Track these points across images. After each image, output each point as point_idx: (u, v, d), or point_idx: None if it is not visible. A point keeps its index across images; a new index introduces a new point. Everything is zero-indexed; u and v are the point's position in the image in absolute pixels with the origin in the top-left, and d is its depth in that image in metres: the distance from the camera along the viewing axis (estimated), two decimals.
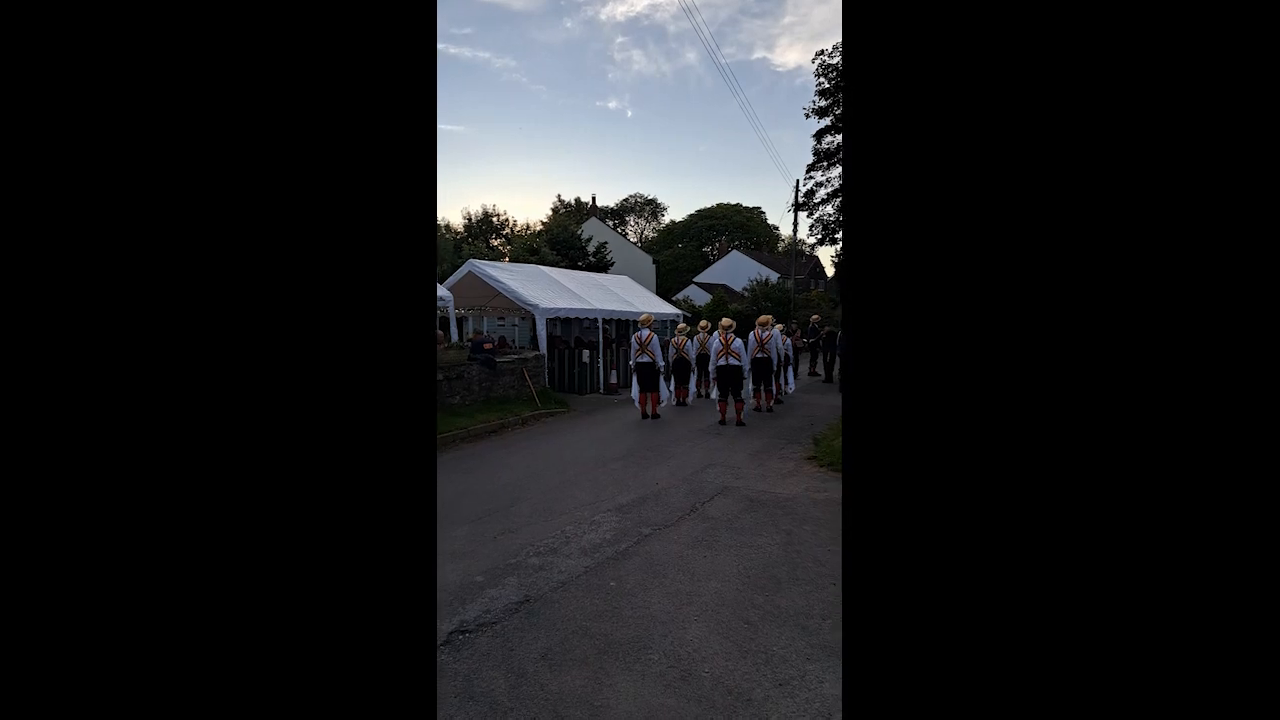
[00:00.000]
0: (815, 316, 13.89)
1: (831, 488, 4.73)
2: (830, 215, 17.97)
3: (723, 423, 7.46)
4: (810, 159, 18.01)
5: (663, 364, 8.24)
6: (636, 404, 8.21)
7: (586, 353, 11.06)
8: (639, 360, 8.09)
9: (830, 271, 35.01)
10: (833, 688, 2.21)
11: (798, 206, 20.32)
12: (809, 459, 5.63)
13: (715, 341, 7.73)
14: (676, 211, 71.49)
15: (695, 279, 32.56)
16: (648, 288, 17.46)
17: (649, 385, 8.05)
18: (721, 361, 7.53)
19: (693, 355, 8.84)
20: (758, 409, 8.30)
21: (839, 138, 17.16)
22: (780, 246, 46.40)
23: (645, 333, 8.13)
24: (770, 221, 47.22)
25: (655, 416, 7.97)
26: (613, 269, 19.50)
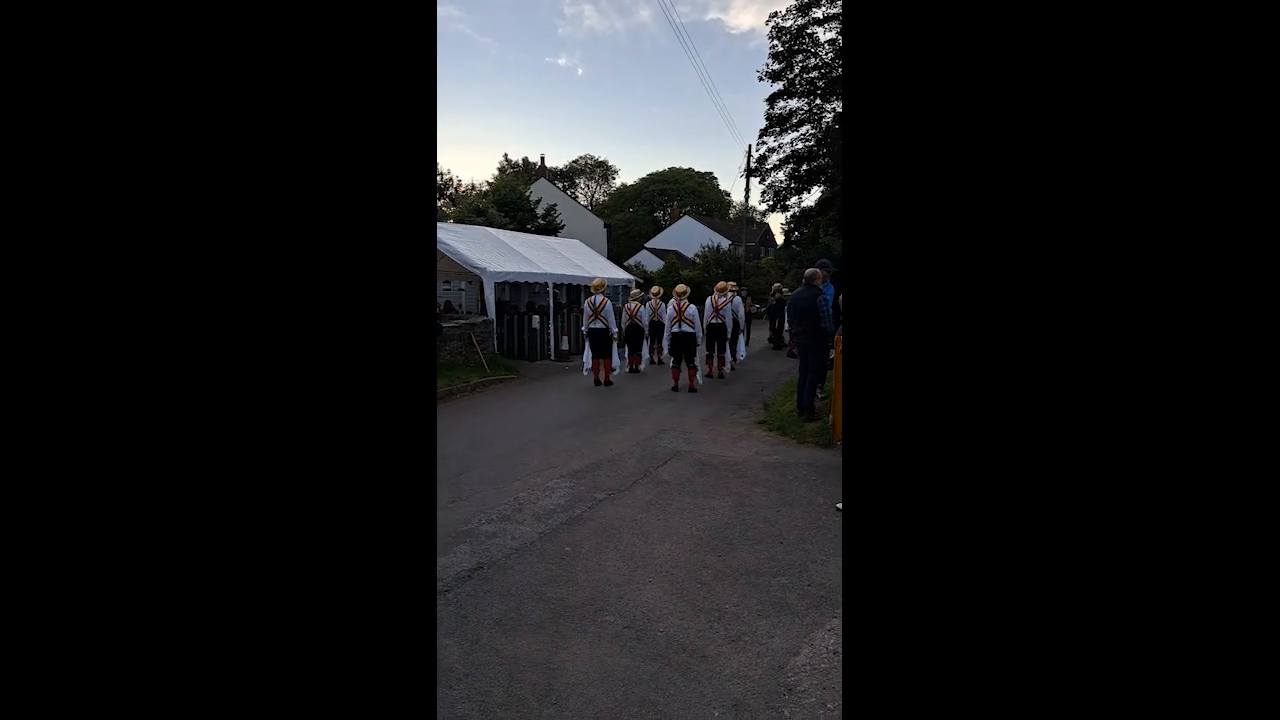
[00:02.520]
0: (777, 285, 13.95)
1: (780, 451, 4.87)
2: (781, 182, 17.99)
3: (675, 389, 7.53)
4: (763, 124, 17.84)
5: (615, 330, 8.18)
6: (588, 371, 8.16)
7: (536, 318, 10.86)
8: (591, 326, 7.99)
9: (780, 239, 35.53)
10: (781, 642, 2.29)
11: (749, 172, 20.33)
12: (759, 424, 5.76)
13: (669, 308, 7.73)
14: (628, 175, 70.18)
15: (647, 244, 32.33)
16: (599, 252, 17.18)
17: (601, 352, 7.99)
18: (675, 328, 7.53)
19: (645, 321, 8.82)
20: (709, 375, 8.41)
21: (792, 102, 17.02)
22: (731, 213, 46.52)
23: (599, 298, 8.02)
24: (722, 187, 47.26)
25: (608, 384, 7.95)
26: (562, 232, 19.04)
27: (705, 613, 2.49)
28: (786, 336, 12.77)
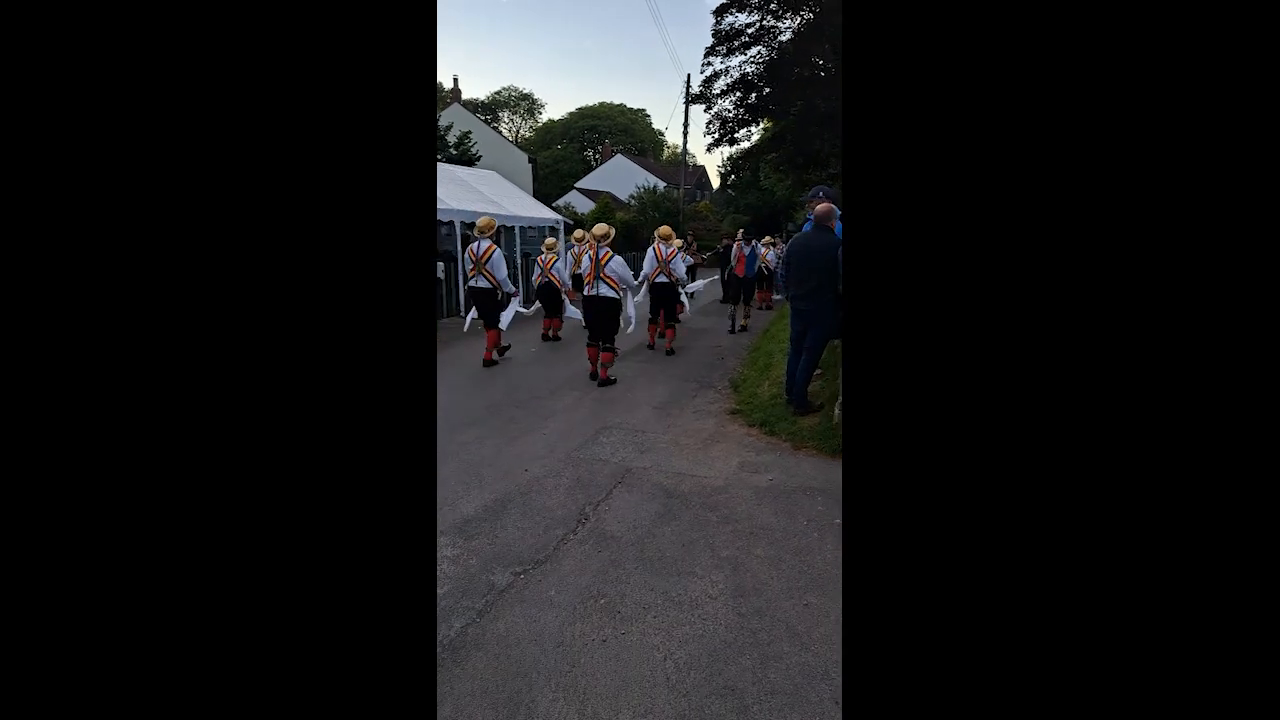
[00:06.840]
0: (741, 231, 11.82)
1: (774, 463, 3.41)
2: (729, 111, 15.91)
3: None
4: (709, 42, 15.45)
5: (509, 291, 6.00)
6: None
7: (441, 266, 8.81)
8: (473, 284, 5.90)
9: (716, 183, 33.89)
10: None
11: (691, 100, 18.19)
12: (733, 413, 4.29)
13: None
14: (555, 110, 65.23)
15: (577, 184, 29.78)
16: (523, 190, 14.83)
17: (488, 320, 5.93)
18: (589, 290, 5.37)
19: (564, 277, 6.89)
20: (650, 346, 6.74)
21: (743, 16, 14.76)
22: (665, 154, 44.24)
23: (484, 244, 5.81)
24: (656, 126, 44.79)
25: (489, 362, 5.85)
26: (480, 163, 16.45)
27: None
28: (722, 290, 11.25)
